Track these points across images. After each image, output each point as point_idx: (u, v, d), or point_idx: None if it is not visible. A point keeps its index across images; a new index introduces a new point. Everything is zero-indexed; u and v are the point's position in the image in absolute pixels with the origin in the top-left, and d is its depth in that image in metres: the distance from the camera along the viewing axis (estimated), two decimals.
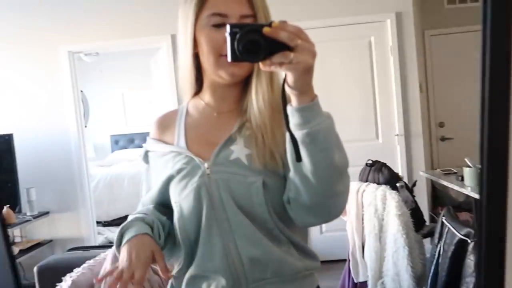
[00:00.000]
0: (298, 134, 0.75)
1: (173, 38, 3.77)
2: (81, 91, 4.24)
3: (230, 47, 0.70)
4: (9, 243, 0.75)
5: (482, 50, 0.45)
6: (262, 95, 0.88)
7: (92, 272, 1.94)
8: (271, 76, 0.88)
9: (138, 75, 6.37)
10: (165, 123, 1.01)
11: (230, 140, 0.90)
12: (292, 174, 0.82)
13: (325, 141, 0.76)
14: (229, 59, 0.70)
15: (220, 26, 0.86)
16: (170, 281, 0.96)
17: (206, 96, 0.96)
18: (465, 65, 4.31)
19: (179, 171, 0.90)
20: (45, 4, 3.79)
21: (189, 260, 0.90)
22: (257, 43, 0.68)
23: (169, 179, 0.92)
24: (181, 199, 0.89)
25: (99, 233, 4.41)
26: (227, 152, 0.89)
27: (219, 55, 0.87)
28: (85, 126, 4.33)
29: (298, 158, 0.77)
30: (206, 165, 0.89)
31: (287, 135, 0.77)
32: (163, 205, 0.97)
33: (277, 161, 0.86)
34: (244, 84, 0.93)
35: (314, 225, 0.90)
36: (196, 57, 0.92)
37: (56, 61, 3.81)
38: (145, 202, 1.01)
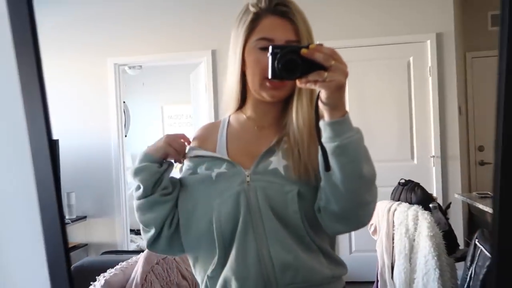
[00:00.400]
0: (329, 146, 0.82)
1: (213, 53, 3.88)
2: (124, 102, 4.43)
3: (271, 66, 0.78)
4: (66, 243, 0.84)
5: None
6: (302, 114, 0.94)
7: (124, 274, 2.01)
8: (311, 97, 0.94)
9: (178, 89, 6.55)
10: (207, 133, 1.08)
11: (270, 152, 0.96)
12: (323, 183, 0.88)
13: (354, 153, 0.82)
14: (269, 76, 0.79)
15: (267, 49, 0.91)
16: (204, 280, 0.98)
17: (249, 110, 1.03)
18: None
19: (219, 175, 0.96)
20: (95, 19, 4.02)
21: (223, 262, 0.94)
22: (294, 62, 0.76)
23: (206, 180, 0.97)
24: (220, 203, 0.93)
25: (131, 241, 4.51)
26: (266, 162, 0.95)
27: (264, 77, 0.93)
28: (125, 136, 4.49)
29: (327, 167, 0.83)
30: (246, 173, 0.94)
31: (319, 147, 0.83)
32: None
33: (310, 174, 0.92)
34: (284, 102, 1.00)
35: (343, 233, 0.96)
36: (243, 75, 0.99)
37: (103, 72, 4.02)
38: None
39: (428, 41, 3.62)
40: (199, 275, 1.00)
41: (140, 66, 5.65)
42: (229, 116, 1.08)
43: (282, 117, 1.00)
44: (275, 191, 0.92)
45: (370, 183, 0.87)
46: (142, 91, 6.81)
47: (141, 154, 1.00)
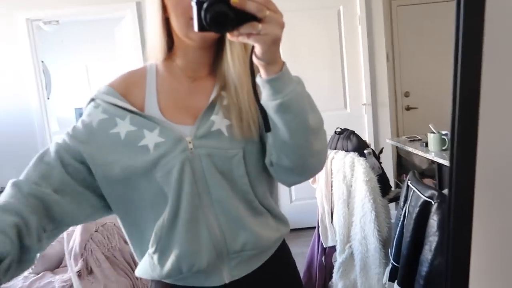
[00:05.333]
0: (271, 105, 0.76)
1: (138, 6, 3.63)
2: (42, 62, 4.06)
3: (196, 17, 0.68)
4: None
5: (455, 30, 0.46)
6: (238, 64, 0.86)
7: (60, 244, 1.91)
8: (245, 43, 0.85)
9: (102, 46, 6.15)
10: (131, 82, 0.93)
11: (211, 109, 0.88)
12: (270, 141, 0.84)
13: (298, 107, 0.77)
14: (195, 28, 0.69)
15: None
16: (147, 258, 0.90)
17: (178, 59, 0.92)
18: (430, 36, 4.40)
19: (157, 145, 0.84)
20: None
21: (169, 237, 0.86)
22: (225, 14, 0.67)
23: (140, 149, 0.84)
24: (161, 175, 0.84)
25: None
26: (208, 123, 0.87)
27: (190, 18, 0.80)
28: (48, 98, 4.16)
29: (267, 128, 0.78)
30: (188, 138, 0.85)
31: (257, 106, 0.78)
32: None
33: (253, 130, 0.87)
34: (217, 48, 0.90)
35: (299, 183, 0.92)
36: (166, 21, 0.88)
37: (13, 29, 3.62)
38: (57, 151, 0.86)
39: None
40: (139, 251, 0.92)
41: (57, 21, 5.18)
42: (156, 65, 0.94)
43: (216, 66, 0.91)
44: (220, 157, 0.85)
45: (318, 131, 0.83)
46: (62, 49, 6.31)
47: None
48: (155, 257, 0.87)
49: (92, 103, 0.91)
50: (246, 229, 0.87)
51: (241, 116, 0.86)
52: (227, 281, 0.89)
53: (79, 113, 6.66)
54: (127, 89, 0.91)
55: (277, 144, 0.82)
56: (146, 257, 0.89)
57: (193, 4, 0.68)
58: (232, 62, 0.86)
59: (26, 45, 3.65)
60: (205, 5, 0.67)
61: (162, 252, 0.87)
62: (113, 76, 0.94)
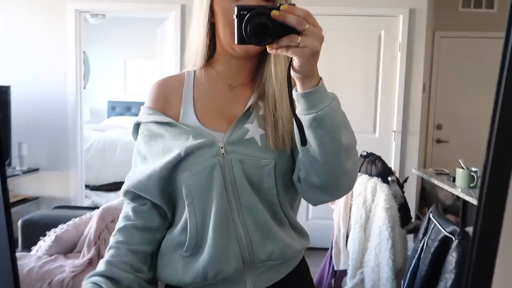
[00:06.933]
0: (305, 119, 0.75)
1: (183, 8, 3.71)
2: (84, 52, 4.20)
3: (237, 30, 0.69)
4: (7, 196, 0.77)
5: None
6: (281, 71, 0.86)
7: (76, 230, 1.94)
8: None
9: (143, 44, 6.31)
10: (168, 91, 0.94)
11: (246, 117, 0.88)
12: (301, 156, 0.82)
13: (331, 123, 0.75)
14: (235, 41, 0.70)
15: None
16: (179, 259, 0.90)
17: (218, 66, 0.93)
18: (471, 70, 4.31)
19: (189, 148, 0.85)
20: None
21: (196, 242, 0.86)
22: (264, 26, 0.67)
23: (177, 159, 0.85)
24: (189, 176, 0.85)
25: (86, 197, 4.41)
26: (242, 130, 0.87)
27: None
28: (84, 88, 4.29)
29: (303, 142, 0.77)
30: (220, 144, 0.86)
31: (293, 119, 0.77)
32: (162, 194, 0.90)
33: (286, 143, 0.86)
34: (259, 58, 0.91)
35: (325, 203, 0.90)
36: (211, 27, 0.89)
37: (62, 18, 3.76)
38: (138, 185, 0.90)
39: (401, 16, 3.61)
40: (172, 252, 0.91)
41: (104, 15, 5.36)
42: (194, 71, 0.95)
43: (256, 75, 0.91)
44: (252, 165, 0.85)
45: (350, 150, 0.80)
46: (105, 43, 6.51)
47: None
48: (186, 260, 0.87)
49: (139, 131, 0.94)
50: (273, 238, 0.86)
51: (276, 127, 0.85)
52: None
53: (111, 106, 6.83)
54: (165, 99, 0.93)
55: (307, 160, 0.80)
56: (176, 259, 0.89)
57: (234, 17, 0.69)
58: (275, 74, 0.87)
59: (72, 35, 3.78)
60: (246, 18, 0.68)
61: (192, 256, 0.86)
62: (150, 76, 0.97)
